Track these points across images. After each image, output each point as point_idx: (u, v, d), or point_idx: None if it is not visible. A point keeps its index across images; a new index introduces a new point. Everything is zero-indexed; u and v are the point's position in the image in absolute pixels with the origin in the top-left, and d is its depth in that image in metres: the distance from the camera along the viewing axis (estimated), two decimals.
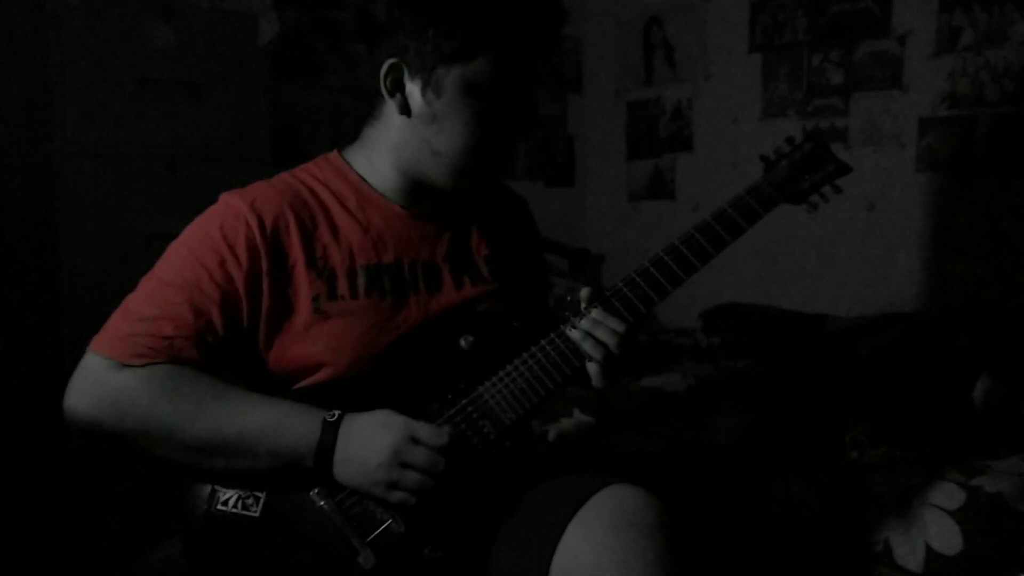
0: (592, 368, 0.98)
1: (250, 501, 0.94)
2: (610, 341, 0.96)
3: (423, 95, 0.97)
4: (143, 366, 0.92)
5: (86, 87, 1.76)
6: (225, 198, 1.00)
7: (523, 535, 0.95)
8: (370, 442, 0.91)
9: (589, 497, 0.93)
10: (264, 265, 0.96)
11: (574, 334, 0.97)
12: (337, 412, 0.93)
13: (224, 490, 0.95)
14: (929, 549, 1.35)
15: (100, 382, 0.93)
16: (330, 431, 0.92)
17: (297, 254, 0.98)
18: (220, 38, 1.98)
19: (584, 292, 1.00)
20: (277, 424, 0.92)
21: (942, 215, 2.43)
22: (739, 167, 2.86)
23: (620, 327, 0.97)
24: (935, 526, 1.35)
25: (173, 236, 1.01)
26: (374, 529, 0.93)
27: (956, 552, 1.32)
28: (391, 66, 0.97)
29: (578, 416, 1.81)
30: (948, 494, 1.38)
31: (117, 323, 0.96)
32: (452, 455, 0.92)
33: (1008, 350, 1.86)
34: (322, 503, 0.93)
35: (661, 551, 0.89)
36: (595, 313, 0.98)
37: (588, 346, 0.97)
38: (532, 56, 0.98)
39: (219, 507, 0.94)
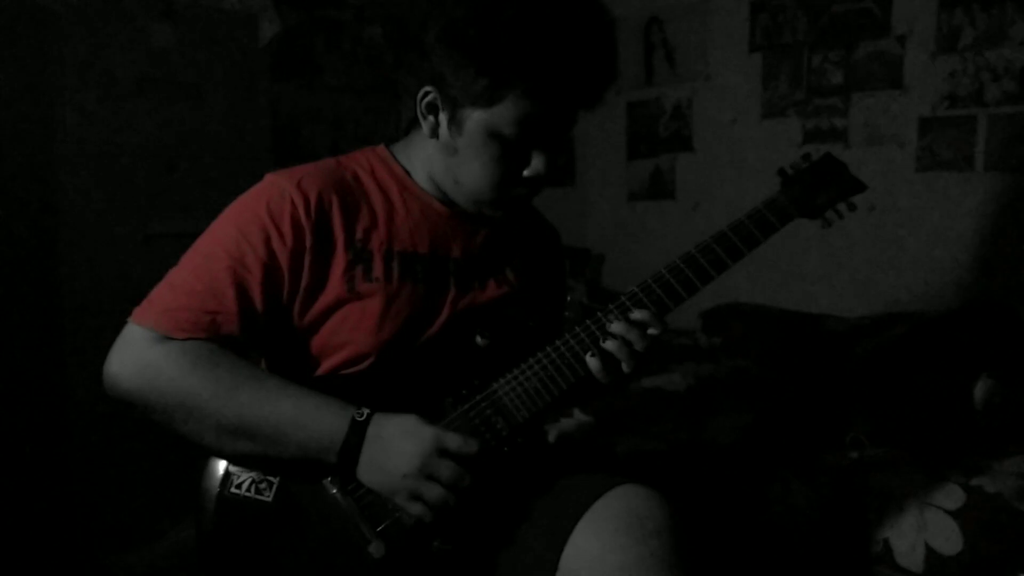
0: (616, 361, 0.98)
1: (263, 486, 0.95)
2: (639, 343, 0.97)
3: (448, 128, 0.99)
4: (185, 339, 0.93)
5: (86, 87, 1.76)
6: (271, 177, 1.02)
7: (532, 532, 0.96)
8: (397, 450, 0.91)
9: (599, 496, 0.94)
10: (308, 242, 0.98)
11: (617, 327, 0.97)
12: (366, 411, 0.93)
13: (238, 474, 0.96)
14: (929, 549, 1.35)
15: (142, 353, 0.93)
16: (357, 431, 0.92)
17: (338, 233, 1.00)
18: (220, 38, 1.98)
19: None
20: (307, 416, 0.92)
21: (942, 215, 2.43)
22: (739, 167, 2.86)
23: (657, 327, 0.98)
24: (935, 526, 1.35)
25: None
26: (385, 519, 0.94)
27: (956, 552, 1.32)
28: (427, 92, 0.99)
29: (578, 416, 1.81)
30: (948, 494, 1.38)
31: (161, 295, 0.97)
32: (479, 468, 0.93)
33: (1008, 350, 1.86)
34: (335, 491, 0.94)
35: (671, 552, 0.89)
36: (636, 313, 0.98)
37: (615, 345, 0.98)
38: (566, 110, 0.98)
39: (232, 490, 0.95)
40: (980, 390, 1.70)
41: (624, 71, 3.25)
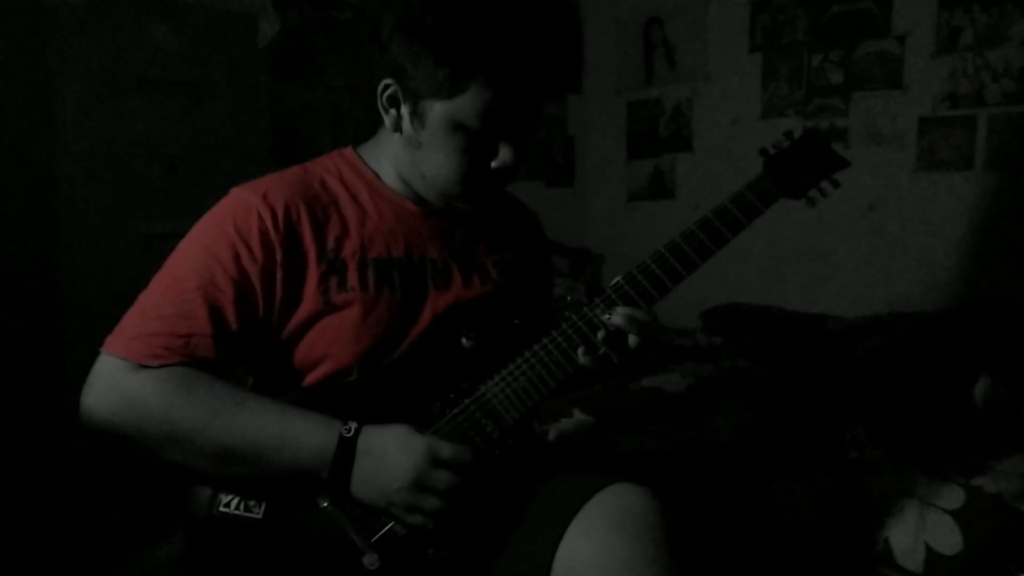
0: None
1: (252, 503, 0.93)
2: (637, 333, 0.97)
3: (411, 122, 0.97)
4: (159, 367, 0.91)
5: (86, 87, 1.76)
6: (236, 192, 1.00)
7: (525, 534, 0.95)
8: (390, 464, 0.90)
9: (591, 496, 0.93)
10: (278, 256, 0.96)
11: (606, 320, 0.97)
12: (353, 425, 0.91)
13: (226, 491, 0.94)
14: (929, 549, 1.35)
15: (116, 384, 0.92)
16: (346, 448, 0.90)
17: (309, 245, 0.98)
18: (220, 38, 1.98)
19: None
20: (292, 436, 0.91)
21: (942, 215, 2.43)
22: (739, 167, 2.86)
23: (647, 317, 0.97)
24: (935, 526, 1.35)
25: (173, 236, 1.01)
26: (378, 530, 0.93)
27: (956, 552, 1.32)
28: (387, 85, 0.97)
29: (578, 416, 1.81)
30: (948, 494, 1.38)
31: (132, 322, 0.95)
32: (474, 475, 0.92)
33: (1008, 350, 1.86)
34: (326, 504, 0.93)
35: (663, 551, 0.89)
36: (620, 309, 0.98)
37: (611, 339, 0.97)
38: (530, 98, 0.96)
39: (221, 508, 0.93)
40: (980, 390, 1.70)
41: (624, 71, 3.26)
